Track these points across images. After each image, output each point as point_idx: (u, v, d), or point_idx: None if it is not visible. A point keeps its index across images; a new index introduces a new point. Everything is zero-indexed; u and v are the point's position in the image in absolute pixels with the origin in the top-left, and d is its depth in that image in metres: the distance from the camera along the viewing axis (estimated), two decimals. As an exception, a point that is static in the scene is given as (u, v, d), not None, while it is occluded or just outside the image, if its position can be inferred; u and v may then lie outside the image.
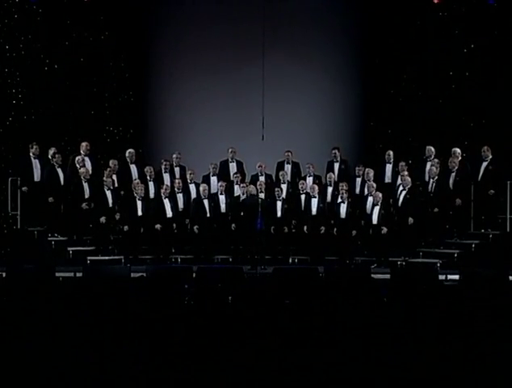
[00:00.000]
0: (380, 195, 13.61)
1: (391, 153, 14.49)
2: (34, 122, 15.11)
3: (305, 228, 13.92)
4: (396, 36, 15.60)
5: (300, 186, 14.23)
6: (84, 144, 14.39)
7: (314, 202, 14.02)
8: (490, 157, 13.70)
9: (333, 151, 14.79)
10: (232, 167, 14.87)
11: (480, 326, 7.34)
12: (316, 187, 14.09)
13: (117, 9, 15.69)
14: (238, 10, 15.86)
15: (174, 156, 14.79)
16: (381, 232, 13.46)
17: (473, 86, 15.08)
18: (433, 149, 14.15)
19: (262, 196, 13.91)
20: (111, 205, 13.78)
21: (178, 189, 14.18)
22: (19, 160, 14.24)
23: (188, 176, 14.50)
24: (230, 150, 14.85)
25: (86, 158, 14.33)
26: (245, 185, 14.20)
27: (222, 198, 14.21)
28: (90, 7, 15.49)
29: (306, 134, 15.90)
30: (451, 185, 13.72)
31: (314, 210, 14.00)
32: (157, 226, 13.78)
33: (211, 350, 6.71)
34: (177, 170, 14.78)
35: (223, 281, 10.45)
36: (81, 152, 14.32)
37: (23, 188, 13.98)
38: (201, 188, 14.08)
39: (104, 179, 13.84)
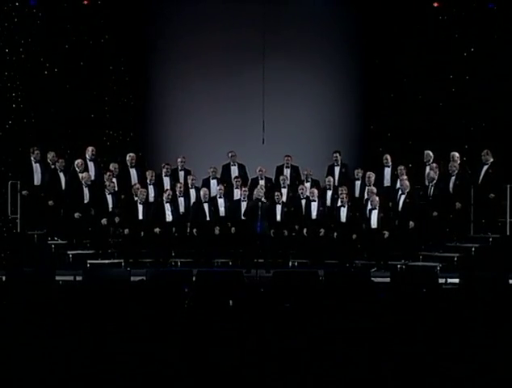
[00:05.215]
0: (377, 199, 13.62)
1: (388, 157, 14.50)
2: (34, 126, 15.10)
3: (305, 231, 13.94)
4: (397, 40, 15.61)
5: (299, 191, 14.24)
6: (90, 148, 14.41)
7: (314, 206, 14.04)
8: (491, 160, 13.68)
9: (335, 154, 14.82)
10: (234, 171, 14.89)
11: (480, 329, 7.34)
12: (316, 191, 14.11)
13: (117, 12, 15.71)
14: (238, 15, 15.87)
15: (179, 160, 14.79)
16: (381, 236, 13.48)
17: (473, 90, 15.08)
18: (431, 153, 14.16)
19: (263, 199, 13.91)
20: (111, 209, 13.80)
21: (180, 193, 14.18)
22: (20, 164, 14.25)
23: (190, 181, 14.50)
24: (230, 154, 14.88)
25: (91, 163, 14.37)
26: (246, 190, 14.21)
27: (221, 201, 14.23)
28: (89, 10, 15.52)
29: (306, 137, 15.92)
30: (450, 189, 13.72)
31: (314, 214, 14.02)
32: (157, 230, 13.78)
33: (212, 353, 6.71)
34: (181, 174, 14.79)
35: (223, 285, 10.44)
36: (87, 156, 14.37)
37: (23, 192, 13.99)
38: (202, 193, 14.09)
39: (105, 182, 13.87)
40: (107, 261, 13.60)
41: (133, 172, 14.60)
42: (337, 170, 14.82)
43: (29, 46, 15.13)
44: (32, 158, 14.04)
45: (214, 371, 6.43)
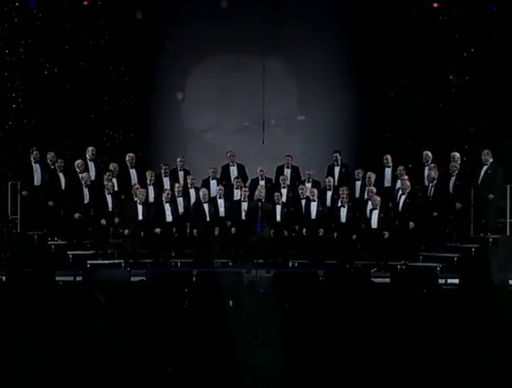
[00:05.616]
0: (378, 199, 13.63)
1: (388, 157, 14.53)
2: (34, 126, 15.09)
3: (304, 231, 13.94)
4: (396, 40, 15.60)
5: (299, 191, 14.25)
6: (90, 148, 14.44)
7: (314, 206, 14.04)
8: (491, 161, 13.66)
9: (335, 155, 14.84)
10: (233, 171, 14.90)
11: (480, 329, 7.33)
12: (316, 191, 14.11)
13: (117, 13, 15.70)
14: (239, 16, 15.86)
15: (178, 160, 14.80)
16: (382, 236, 13.49)
17: (473, 90, 15.06)
18: (430, 153, 14.18)
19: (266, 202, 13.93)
20: (110, 209, 13.81)
21: (178, 193, 14.18)
22: (20, 164, 14.25)
23: (189, 181, 14.50)
24: (229, 154, 14.89)
25: (91, 163, 14.37)
26: (246, 189, 14.21)
27: (221, 202, 14.23)
28: (89, 11, 15.51)
29: (306, 138, 15.93)
30: (450, 189, 13.72)
31: (314, 214, 14.02)
32: (157, 230, 13.79)
33: (211, 354, 6.71)
34: (181, 174, 14.80)
35: (223, 285, 10.42)
36: (87, 156, 14.38)
37: (23, 192, 13.99)
38: (201, 193, 14.09)
39: (105, 182, 13.88)
40: (106, 261, 13.61)
41: (133, 172, 14.61)
42: (337, 170, 14.83)
43: (29, 46, 15.10)
44: (32, 159, 14.05)
45: (214, 371, 6.43)
